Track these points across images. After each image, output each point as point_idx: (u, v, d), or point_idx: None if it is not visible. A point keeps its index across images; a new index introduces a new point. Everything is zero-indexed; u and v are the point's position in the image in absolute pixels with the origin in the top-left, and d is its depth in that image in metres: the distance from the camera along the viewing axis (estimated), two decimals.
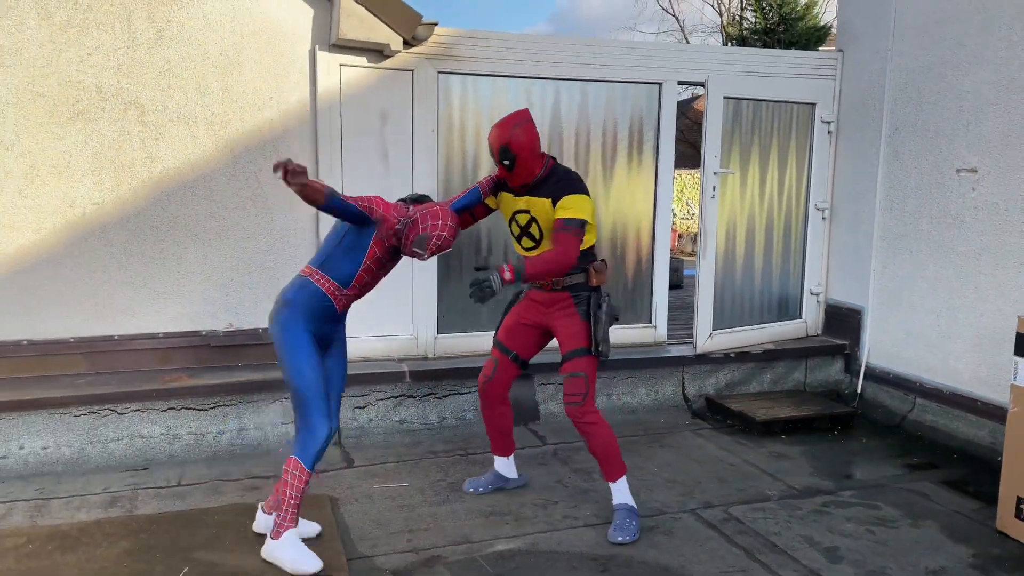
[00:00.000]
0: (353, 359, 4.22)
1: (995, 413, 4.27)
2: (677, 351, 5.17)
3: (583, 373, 3.35)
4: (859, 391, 5.19)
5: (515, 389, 4.70)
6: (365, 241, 3.05)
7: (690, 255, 13.71)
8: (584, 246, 3.37)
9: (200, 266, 4.40)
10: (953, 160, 4.57)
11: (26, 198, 4.10)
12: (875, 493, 3.87)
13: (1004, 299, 4.29)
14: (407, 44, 4.43)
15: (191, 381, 4.20)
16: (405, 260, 4.14)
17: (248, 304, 4.50)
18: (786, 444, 4.54)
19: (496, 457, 3.83)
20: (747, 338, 5.32)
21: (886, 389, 5.03)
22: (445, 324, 4.83)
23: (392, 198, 4.50)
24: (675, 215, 16.88)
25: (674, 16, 29.41)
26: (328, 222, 4.49)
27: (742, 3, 21.96)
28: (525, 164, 3.32)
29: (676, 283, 8.31)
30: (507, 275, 3.15)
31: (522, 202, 3.41)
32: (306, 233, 4.54)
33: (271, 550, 3.04)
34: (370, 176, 4.56)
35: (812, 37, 19.08)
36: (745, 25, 19.89)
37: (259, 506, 3.33)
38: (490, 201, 3.56)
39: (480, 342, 4.79)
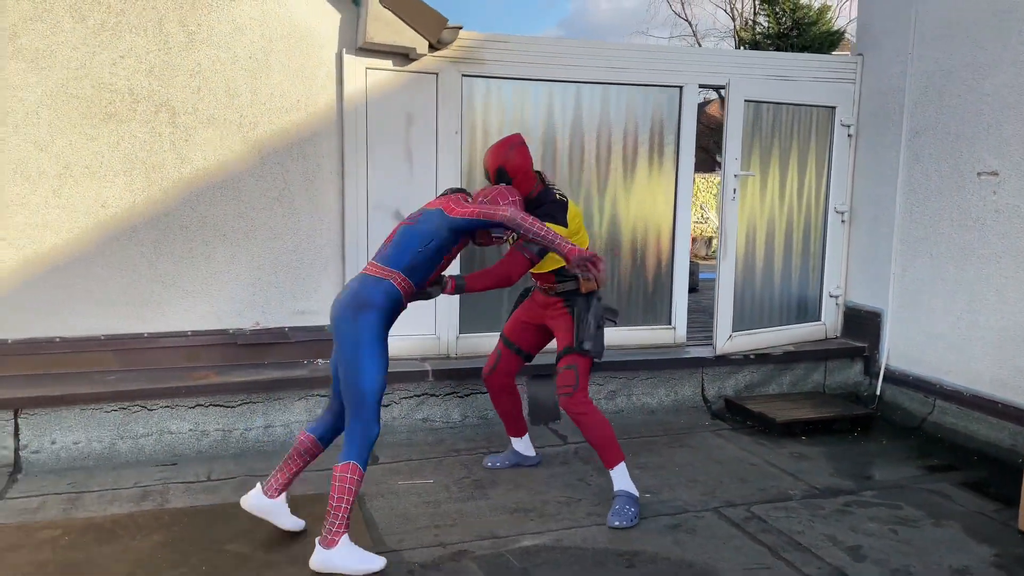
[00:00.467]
0: None
1: (1015, 415, 4.29)
2: (696, 352, 5.20)
3: (574, 365, 3.57)
4: (878, 393, 5.21)
5: (535, 389, 4.76)
6: (452, 245, 3.18)
7: (703, 259, 13.71)
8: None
9: (228, 265, 4.48)
10: (974, 163, 4.60)
11: (60, 198, 4.19)
12: (896, 494, 3.89)
13: None
14: (432, 48, 4.49)
15: (219, 378, 4.27)
16: None
17: (274, 303, 4.57)
18: (806, 445, 4.57)
19: (512, 438, 4.08)
20: (766, 340, 5.35)
21: (905, 391, 5.05)
22: (467, 324, 4.88)
23: (416, 199, 4.60)
24: None
25: (687, 21, 29.44)
26: (352, 223, 4.56)
27: (755, 8, 22.00)
28: (519, 185, 3.58)
29: (691, 286, 8.32)
30: (448, 289, 3.44)
31: None
32: (331, 234, 4.61)
33: (328, 559, 2.96)
34: (395, 177, 4.63)
35: (825, 42, 19.09)
36: (758, 30, 19.92)
37: (258, 485, 3.24)
38: None
39: None
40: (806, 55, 5.66)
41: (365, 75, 4.51)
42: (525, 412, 4.61)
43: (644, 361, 5.02)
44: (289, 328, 4.57)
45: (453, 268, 4.61)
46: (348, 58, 4.47)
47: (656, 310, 5.29)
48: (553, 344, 3.90)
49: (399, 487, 3.83)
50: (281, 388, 4.34)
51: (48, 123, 4.13)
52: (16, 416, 3.97)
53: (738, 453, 4.41)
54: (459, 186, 4.18)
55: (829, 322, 5.64)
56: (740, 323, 5.25)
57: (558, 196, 3.61)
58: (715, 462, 4.26)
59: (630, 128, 5.11)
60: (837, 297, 5.62)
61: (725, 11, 24.38)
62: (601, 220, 5.13)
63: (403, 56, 4.52)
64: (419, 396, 4.62)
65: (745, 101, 5.06)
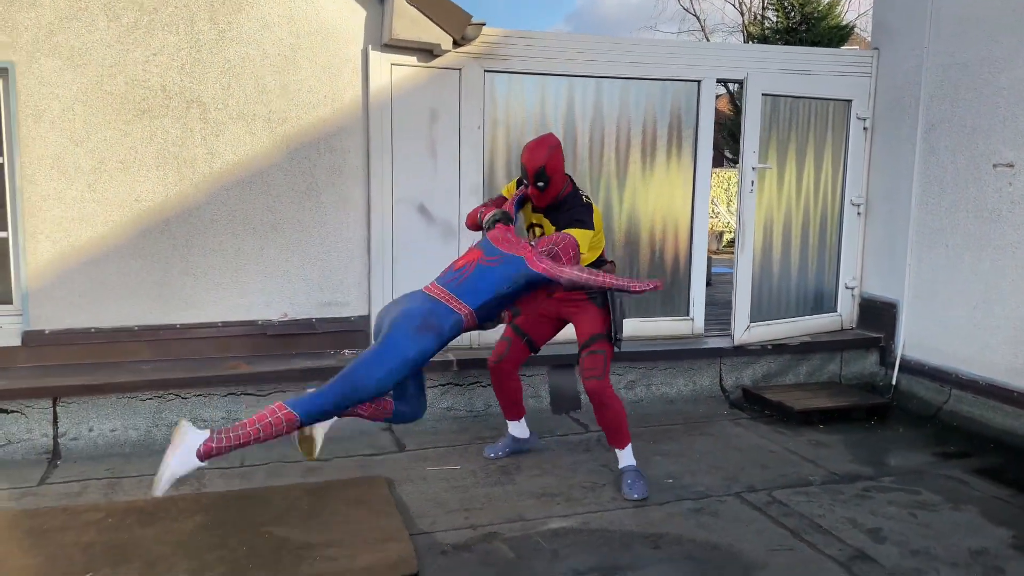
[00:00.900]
0: None
1: None
2: (715, 343, 5.28)
3: (602, 351, 3.68)
4: (894, 383, 5.28)
5: (555, 379, 4.85)
6: (524, 293, 3.33)
7: (715, 253, 13.75)
8: (592, 258, 3.75)
9: (257, 258, 4.58)
10: (990, 155, 4.66)
11: (95, 192, 4.29)
12: (914, 479, 3.97)
13: None
14: (456, 44, 4.58)
15: (249, 368, 4.38)
16: (449, 252, 4.31)
17: (301, 295, 4.67)
18: (824, 433, 4.65)
19: (509, 422, 4.15)
20: (783, 331, 5.43)
21: (921, 381, 5.12)
22: None
23: (440, 193, 4.69)
24: None
25: (695, 16, 29.38)
26: (376, 222, 4.64)
27: (764, 2, 21.96)
28: (556, 186, 3.64)
29: (706, 280, 8.38)
30: (505, 321, 3.66)
31: (535, 218, 3.80)
32: (357, 227, 4.70)
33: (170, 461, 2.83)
34: (419, 172, 4.72)
35: (835, 36, 19.04)
36: (767, 24, 19.89)
37: (199, 431, 2.92)
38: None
39: None
40: (822, 49, 5.73)
41: (390, 71, 4.60)
42: (546, 402, 4.72)
43: (663, 351, 5.11)
44: (316, 319, 4.67)
45: None
46: (374, 54, 4.57)
47: (674, 301, 5.37)
48: (561, 335, 4.05)
49: (428, 473, 3.93)
50: (310, 378, 4.42)
51: (83, 119, 4.24)
52: (55, 404, 4.09)
53: (757, 440, 4.49)
54: (494, 195, 4.22)
55: (845, 313, 5.71)
56: (758, 314, 5.33)
57: (585, 200, 3.71)
58: (735, 449, 4.35)
59: (649, 122, 5.19)
60: (853, 288, 5.69)
61: (734, 6, 24.31)
62: (620, 212, 5.21)
63: (427, 52, 4.61)
64: (444, 386, 4.72)
65: (763, 95, 5.13)
